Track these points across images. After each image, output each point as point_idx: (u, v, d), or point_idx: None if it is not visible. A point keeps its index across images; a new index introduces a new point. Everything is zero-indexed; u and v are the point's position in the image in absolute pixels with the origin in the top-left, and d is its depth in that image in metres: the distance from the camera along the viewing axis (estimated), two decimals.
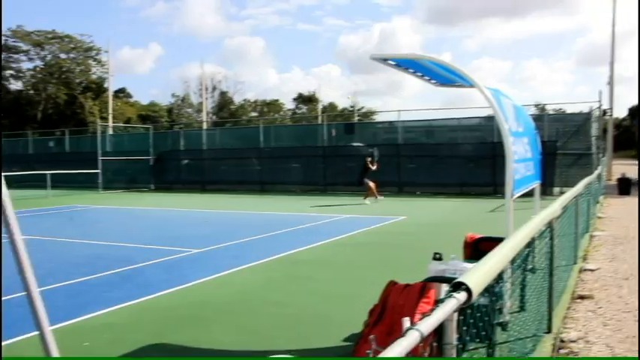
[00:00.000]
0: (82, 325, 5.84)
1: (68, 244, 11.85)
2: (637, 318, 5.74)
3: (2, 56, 60.11)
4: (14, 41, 59.45)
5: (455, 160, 24.05)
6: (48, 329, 2.47)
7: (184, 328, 5.78)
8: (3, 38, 59.09)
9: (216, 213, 18.18)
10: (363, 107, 73.06)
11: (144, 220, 17.13)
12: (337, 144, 27.83)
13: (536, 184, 6.86)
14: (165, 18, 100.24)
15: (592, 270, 8.10)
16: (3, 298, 6.94)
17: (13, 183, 27.15)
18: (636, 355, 4.91)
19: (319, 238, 11.63)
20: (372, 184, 20.32)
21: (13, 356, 5.17)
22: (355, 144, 27.37)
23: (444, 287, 4.10)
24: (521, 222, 4.00)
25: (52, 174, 27.17)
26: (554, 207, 5.14)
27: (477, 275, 2.33)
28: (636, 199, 19.58)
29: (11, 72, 61.67)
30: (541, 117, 25.01)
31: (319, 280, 7.96)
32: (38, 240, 11.77)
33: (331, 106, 74.79)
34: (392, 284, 4.31)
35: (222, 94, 71.58)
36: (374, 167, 20.52)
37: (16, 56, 60.69)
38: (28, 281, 2.38)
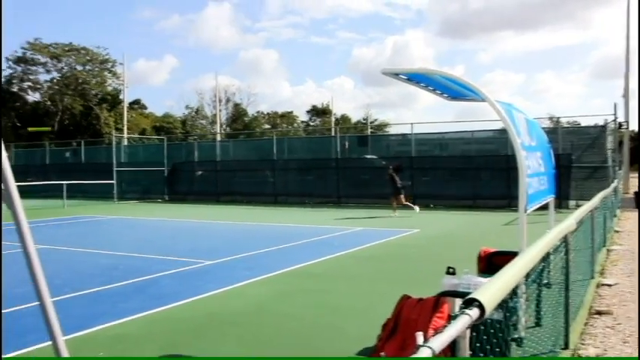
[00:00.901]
0: (97, 335, 5.87)
1: (84, 254, 11.93)
2: None
3: (20, 68, 60.99)
4: (32, 54, 60.29)
5: (468, 173, 23.98)
6: (60, 336, 2.50)
7: (197, 339, 5.79)
8: (21, 51, 60.03)
9: (229, 224, 18.22)
10: (376, 119, 73.16)
11: (158, 231, 17.21)
12: (350, 156, 27.85)
13: (550, 199, 6.81)
14: (180, 31, 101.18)
15: (610, 285, 8.01)
16: (16, 308, 7.01)
17: (30, 193, 27.47)
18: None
19: (332, 250, 11.63)
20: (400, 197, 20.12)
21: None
22: (369, 156, 27.39)
23: (458, 302, 4.09)
24: (536, 236, 3.97)
25: (68, 184, 27.44)
26: (569, 221, 5.11)
27: (491, 291, 2.32)
28: None
29: (29, 84, 62.53)
30: (555, 130, 24.91)
31: (332, 293, 7.94)
32: (55, 250, 11.87)
33: (344, 119, 74.93)
34: (405, 298, 4.30)
35: (236, 105, 72.01)
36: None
37: (33, 68, 61.52)
38: (41, 288, 2.41)
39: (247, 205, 26.57)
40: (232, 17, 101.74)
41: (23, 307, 7.03)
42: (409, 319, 4.05)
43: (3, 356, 3.51)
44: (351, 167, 27.06)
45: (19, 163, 37.96)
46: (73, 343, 5.43)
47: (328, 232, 14.94)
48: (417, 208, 19.86)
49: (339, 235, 14.48)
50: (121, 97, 58.70)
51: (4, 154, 2.31)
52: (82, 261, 11.03)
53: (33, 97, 63.51)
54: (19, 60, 60.57)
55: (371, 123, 67.91)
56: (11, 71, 61.02)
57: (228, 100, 71.13)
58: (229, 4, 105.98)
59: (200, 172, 31.37)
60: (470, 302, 2.14)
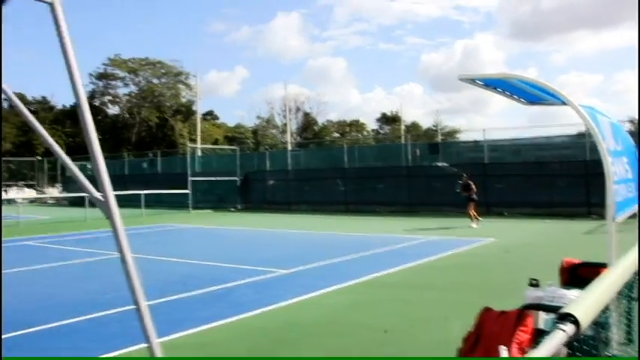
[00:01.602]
0: (177, 344, 6.02)
1: (162, 262, 12.31)
2: None
3: (101, 83, 63.93)
4: (112, 69, 63.10)
5: (544, 180, 23.17)
6: (155, 337, 2.61)
7: (274, 349, 5.86)
8: (102, 67, 62.94)
9: (302, 233, 18.38)
10: (446, 126, 72.10)
11: (232, 240, 17.56)
12: (421, 164, 27.59)
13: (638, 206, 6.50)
14: (250, 42, 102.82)
15: None
16: (102, 314, 7.31)
17: None
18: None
19: (406, 259, 11.52)
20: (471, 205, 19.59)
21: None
22: (440, 164, 27.03)
23: (543, 315, 3.96)
24: (622, 246, 3.80)
25: (145, 194, 28.42)
26: None
27: (585, 305, 2.24)
28: None
29: (109, 97, 65.44)
30: (637, 133, 23.79)
31: (408, 303, 7.86)
32: (135, 258, 12.29)
33: (414, 126, 74.27)
34: (486, 310, 4.19)
35: (306, 114, 72.66)
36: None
37: (113, 83, 64.40)
38: (137, 292, 2.52)
39: (318, 213, 26.70)
40: (300, 27, 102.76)
41: (109, 312, 7.33)
42: (491, 332, 3.95)
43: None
44: (422, 175, 26.79)
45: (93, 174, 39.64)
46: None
47: (401, 242, 14.83)
48: (476, 223, 19.01)
49: (412, 245, 14.34)
50: (194, 108, 60.47)
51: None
52: (160, 269, 11.38)
53: (113, 110, 66.41)
54: (101, 76, 63.55)
55: (441, 129, 67.02)
56: (93, 86, 64.02)
57: (298, 110, 71.92)
58: (297, 14, 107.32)
59: (272, 182, 31.83)
60: (563, 317, 2.07)
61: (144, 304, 2.57)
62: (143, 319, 2.54)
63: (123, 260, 2.58)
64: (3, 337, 6.29)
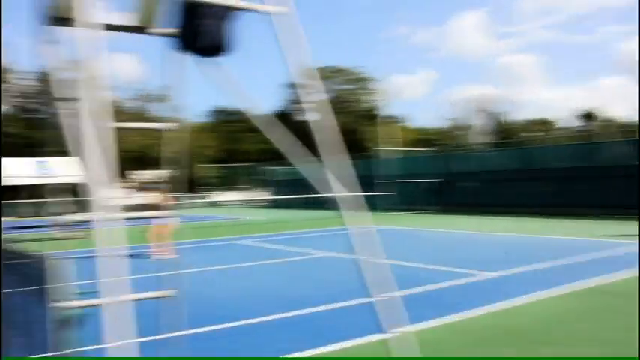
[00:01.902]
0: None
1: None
2: None
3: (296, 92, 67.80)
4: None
5: None
6: (406, 329, 2.74)
7: (483, 353, 5.75)
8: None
9: (500, 236, 17.82)
10: None
11: (429, 241, 17.53)
12: (630, 163, 25.18)
13: None
14: (434, 43, 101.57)
15: None
16: (311, 310, 7.70)
17: (303, 205, 30.13)
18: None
19: (624, 266, 10.59)
20: None
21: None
22: None
23: None
24: None
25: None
26: None
27: None
28: None
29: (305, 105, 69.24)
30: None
31: (631, 315, 7.22)
32: (336, 258, 12.80)
33: (616, 122, 68.11)
34: None
35: (496, 114, 70.22)
36: None
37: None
38: (383, 286, 2.68)
39: (513, 215, 25.58)
40: (485, 25, 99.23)
41: (318, 309, 7.74)
42: None
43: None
44: (631, 175, 24.47)
45: (297, 177, 42.01)
46: (363, 348, 5.82)
47: (613, 247, 13.72)
48: None
49: (628, 251, 13.12)
50: (380, 112, 61.45)
51: None
52: (356, 269, 11.69)
53: (307, 117, 70.08)
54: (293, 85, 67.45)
55: None
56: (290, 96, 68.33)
57: (487, 109, 69.80)
58: (480, 12, 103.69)
59: (464, 183, 31.26)
60: None
61: (386, 296, 2.68)
62: (385, 311, 2.66)
63: (358, 256, 2.74)
64: (215, 327, 6.90)
